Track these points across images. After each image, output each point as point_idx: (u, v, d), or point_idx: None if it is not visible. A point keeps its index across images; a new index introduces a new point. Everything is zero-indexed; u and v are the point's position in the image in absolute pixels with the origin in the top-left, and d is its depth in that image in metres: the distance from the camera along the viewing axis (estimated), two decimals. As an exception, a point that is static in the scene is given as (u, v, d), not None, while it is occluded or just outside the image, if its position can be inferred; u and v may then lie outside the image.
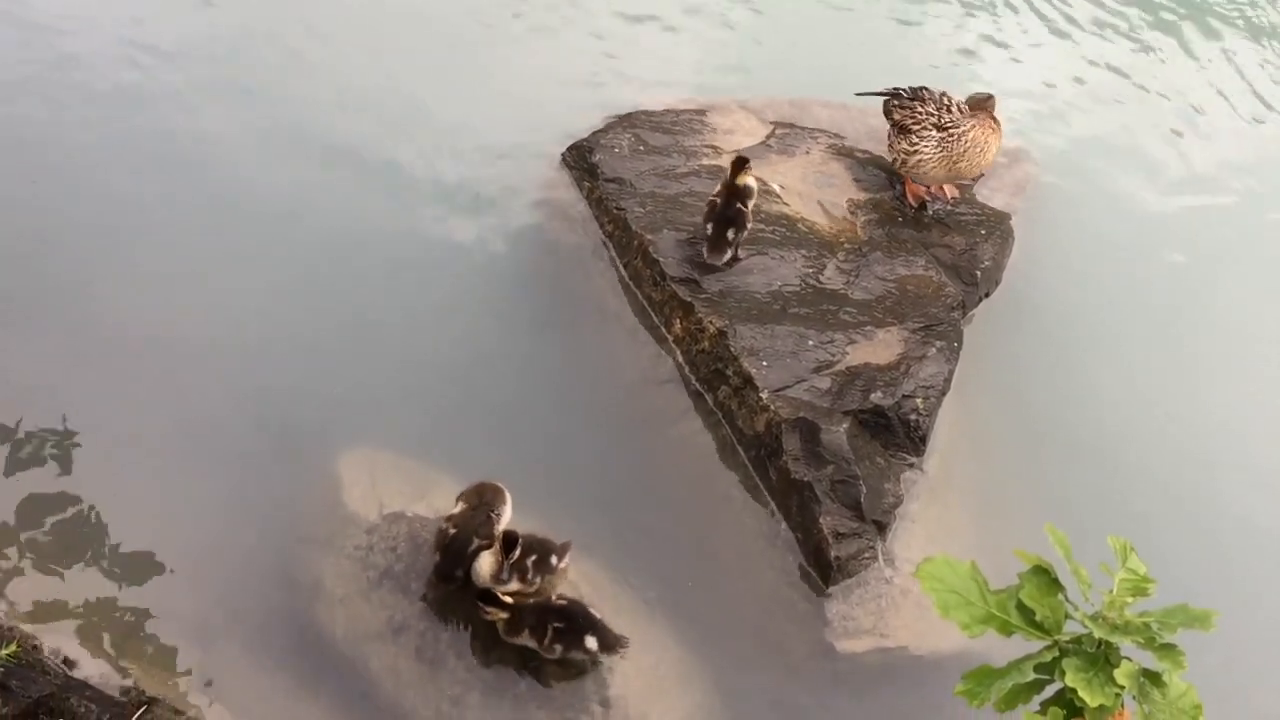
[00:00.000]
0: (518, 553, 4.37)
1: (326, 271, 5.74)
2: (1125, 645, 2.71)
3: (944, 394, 5.31)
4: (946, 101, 5.92)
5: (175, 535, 4.69)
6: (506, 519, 4.55)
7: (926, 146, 5.83)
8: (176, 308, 5.47)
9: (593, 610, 4.39)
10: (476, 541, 4.45)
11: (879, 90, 6.15)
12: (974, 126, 5.80)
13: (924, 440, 5.16)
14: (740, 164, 5.50)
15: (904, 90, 6.05)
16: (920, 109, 5.90)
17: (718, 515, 5.04)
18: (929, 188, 6.17)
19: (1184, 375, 5.88)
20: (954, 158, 5.81)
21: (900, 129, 5.96)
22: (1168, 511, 5.22)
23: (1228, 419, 5.74)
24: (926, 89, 6.01)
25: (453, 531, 4.47)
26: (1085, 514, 5.02)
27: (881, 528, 4.87)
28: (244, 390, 5.20)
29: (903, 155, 5.94)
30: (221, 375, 5.24)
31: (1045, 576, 2.79)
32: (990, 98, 5.94)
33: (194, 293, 5.55)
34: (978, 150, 5.82)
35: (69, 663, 4.21)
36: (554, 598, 4.39)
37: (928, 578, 2.80)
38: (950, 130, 5.80)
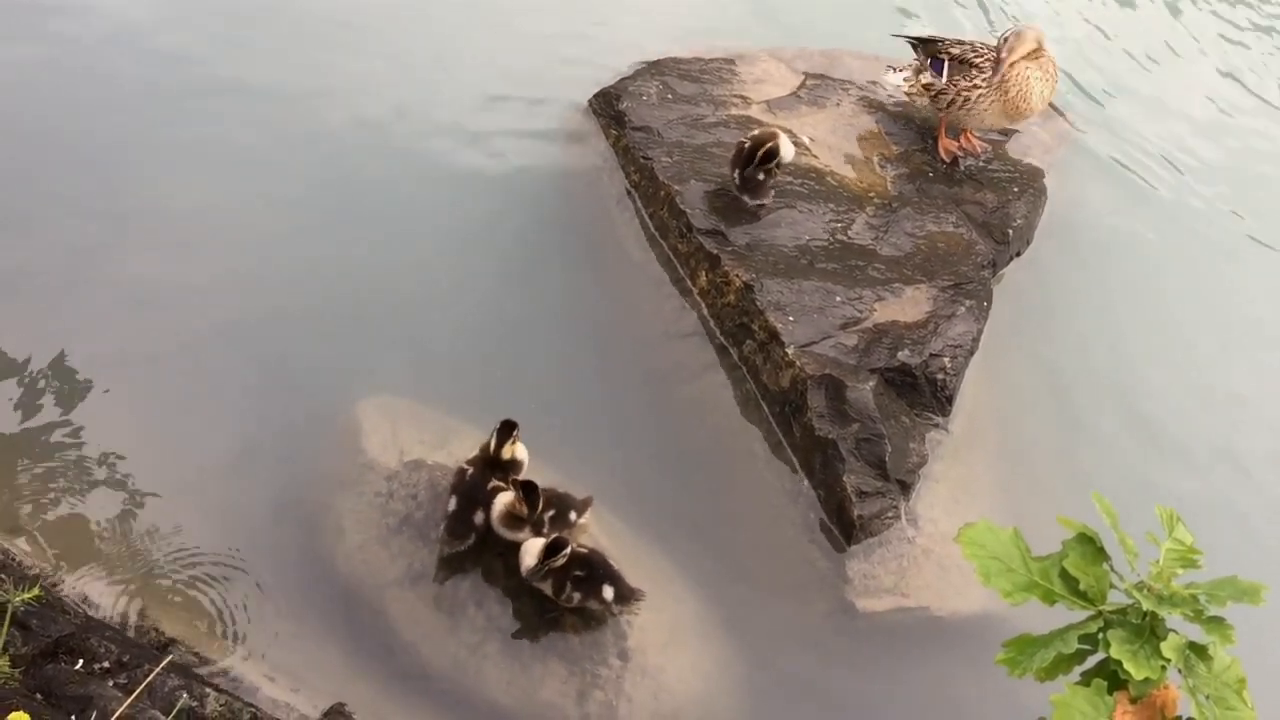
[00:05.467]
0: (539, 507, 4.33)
1: (348, 218, 5.67)
2: (1171, 617, 2.66)
3: (972, 354, 5.24)
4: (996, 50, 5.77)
5: (195, 477, 4.67)
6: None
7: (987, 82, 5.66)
8: (199, 250, 5.41)
9: (612, 561, 4.37)
10: (493, 484, 4.40)
11: (921, 36, 5.99)
12: (1031, 65, 5.62)
13: (950, 400, 5.10)
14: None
15: (947, 39, 5.89)
16: (979, 45, 5.76)
17: (740, 470, 4.99)
18: (960, 143, 6.05)
19: (1220, 340, 5.80)
20: (1015, 94, 5.63)
21: (961, 62, 5.74)
22: (1199, 480, 5.16)
23: (1266, 384, 5.66)
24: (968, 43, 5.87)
25: (470, 471, 4.43)
26: (1112, 480, 4.99)
27: (905, 487, 4.82)
28: (263, 335, 5.15)
29: (963, 94, 5.73)
30: (241, 320, 5.19)
31: (1090, 545, 2.73)
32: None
33: (215, 235, 5.49)
34: (1036, 87, 5.63)
35: (89, 603, 4.20)
36: (575, 546, 4.35)
37: (969, 543, 2.75)
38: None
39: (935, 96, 5.84)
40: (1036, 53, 5.64)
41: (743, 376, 5.23)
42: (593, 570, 4.30)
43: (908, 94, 6.01)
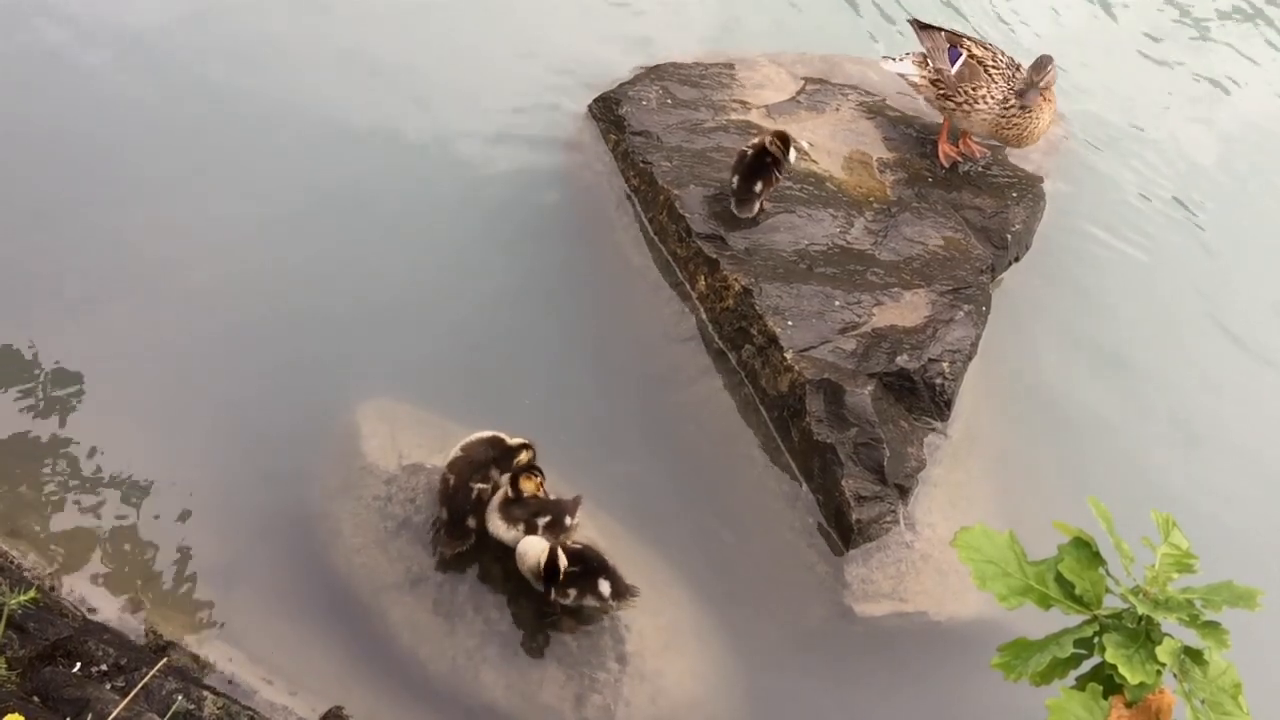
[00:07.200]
0: (540, 479, 4.39)
1: (347, 223, 5.67)
2: (1166, 622, 2.66)
3: (970, 358, 5.24)
4: (1014, 67, 5.77)
5: (194, 480, 4.68)
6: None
7: (993, 96, 5.67)
8: (198, 255, 5.41)
9: (606, 556, 4.36)
10: (476, 488, 4.41)
11: (943, 28, 5.98)
12: (1037, 101, 5.64)
13: (949, 405, 5.10)
14: (784, 140, 5.40)
15: (973, 38, 5.90)
16: (1001, 56, 5.77)
17: (738, 475, 5.00)
18: (959, 148, 6.05)
19: (1219, 346, 5.80)
20: (1020, 132, 5.70)
21: (979, 63, 5.74)
22: (1197, 485, 5.16)
23: (1263, 393, 5.66)
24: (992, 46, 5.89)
25: (452, 479, 4.43)
26: (1109, 485, 4.98)
27: (903, 492, 4.82)
28: (262, 339, 5.17)
29: (967, 97, 5.73)
30: (239, 324, 5.20)
31: (1086, 549, 2.74)
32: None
33: (213, 240, 5.49)
34: (1042, 123, 5.69)
35: (86, 605, 4.21)
36: (569, 542, 4.35)
37: (965, 547, 2.75)
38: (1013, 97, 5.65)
39: (941, 95, 5.83)
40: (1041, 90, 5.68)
41: (741, 381, 5.23)
42: (587, 565, 4.29)
43: (915, 83, 5.96)
